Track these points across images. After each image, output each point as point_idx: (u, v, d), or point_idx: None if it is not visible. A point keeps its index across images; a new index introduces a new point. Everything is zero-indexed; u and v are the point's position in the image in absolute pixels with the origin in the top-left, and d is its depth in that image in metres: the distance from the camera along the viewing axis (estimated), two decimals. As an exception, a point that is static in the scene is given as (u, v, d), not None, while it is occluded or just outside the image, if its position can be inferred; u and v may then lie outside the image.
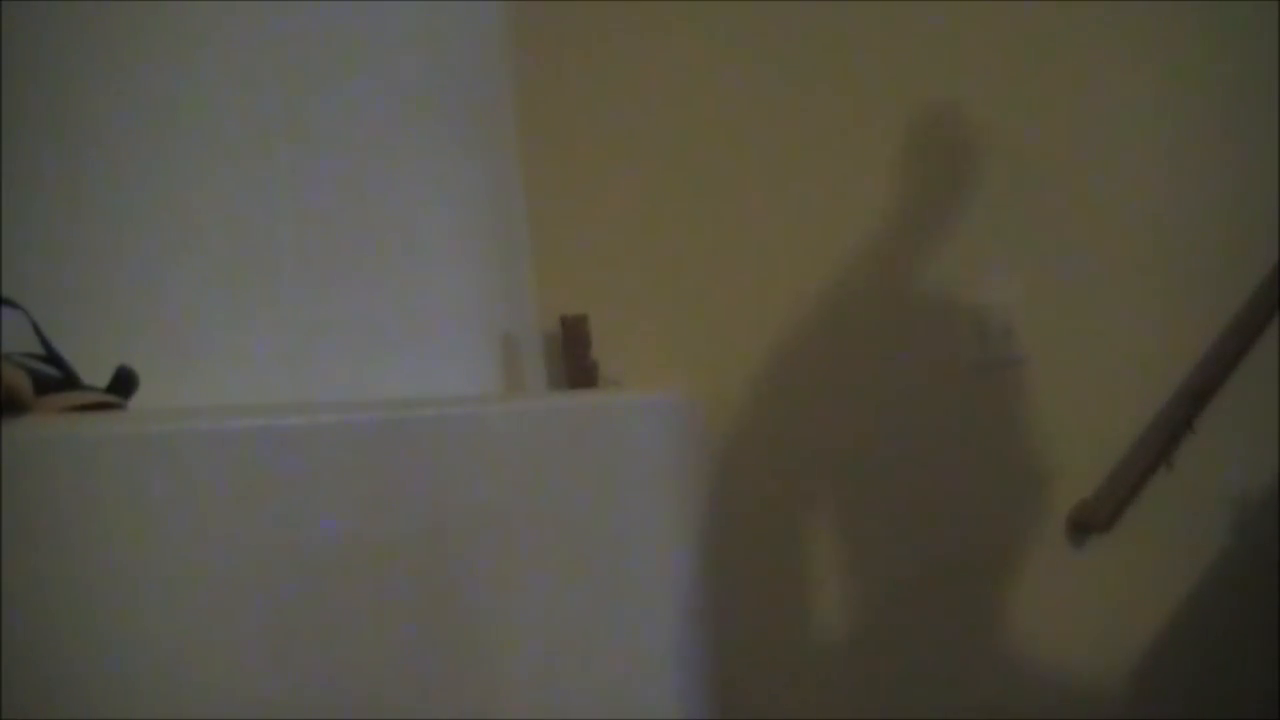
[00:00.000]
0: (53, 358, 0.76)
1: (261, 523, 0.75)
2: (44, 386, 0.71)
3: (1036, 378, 2.02)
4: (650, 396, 1.84)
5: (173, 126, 1.07)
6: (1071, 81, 2.02)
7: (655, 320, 1.96)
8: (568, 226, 1.95)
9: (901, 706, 2.00)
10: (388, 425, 0.94)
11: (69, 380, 0.76)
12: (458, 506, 1.01)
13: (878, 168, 1.99)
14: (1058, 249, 2.02)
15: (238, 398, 1.08)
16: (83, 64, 0.96)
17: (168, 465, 0.68)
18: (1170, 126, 2.05)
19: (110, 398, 0.78)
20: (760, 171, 1.97)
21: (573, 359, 1.88)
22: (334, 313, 1.32)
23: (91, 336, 0.87)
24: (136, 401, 0.80)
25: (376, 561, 0.87)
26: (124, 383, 0.80)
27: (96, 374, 0.79)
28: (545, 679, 1.16)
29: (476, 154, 1.85)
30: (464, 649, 1.01)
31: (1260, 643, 2.13)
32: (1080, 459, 2.03)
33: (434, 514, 0.97)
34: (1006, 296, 2.00)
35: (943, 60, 1.99)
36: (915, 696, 2.01)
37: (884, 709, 2.00)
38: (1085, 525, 2.02)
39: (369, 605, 0.86)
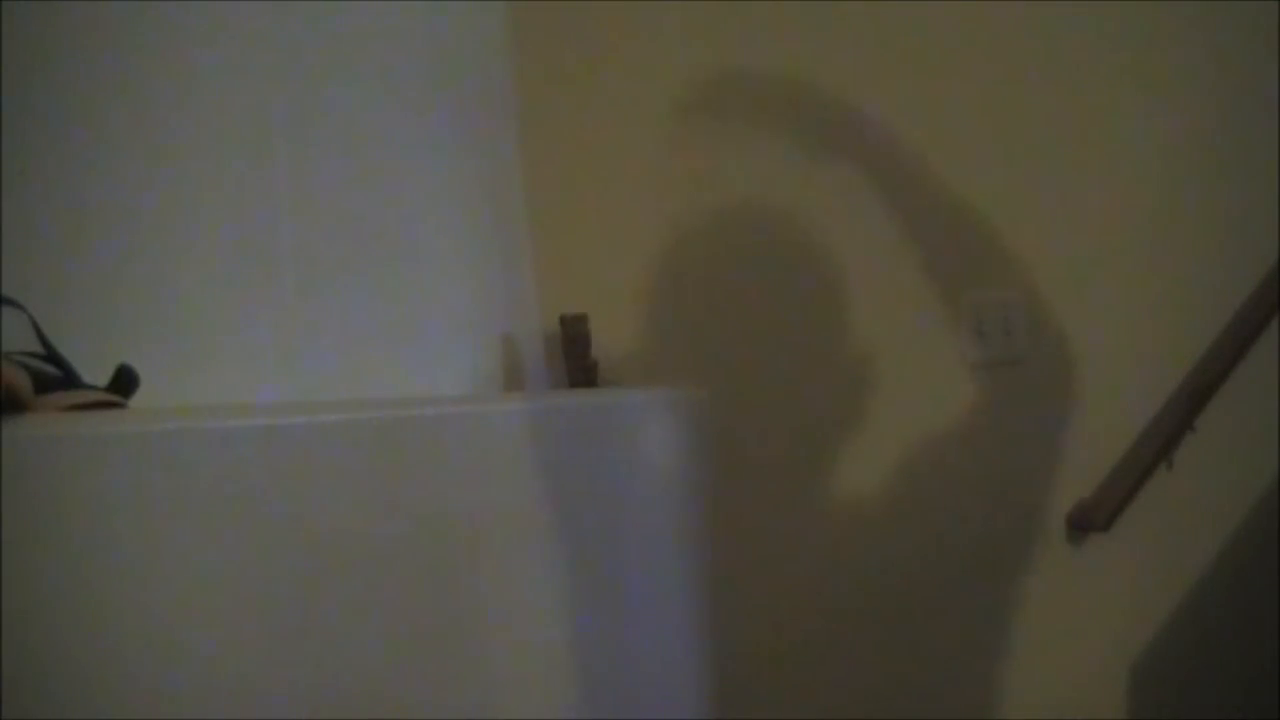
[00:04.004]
0: (53, 357, 0.76)
1: (261, 522, 0.75)
2: (44, 386, 0.71)
3: (1036, 377, 2.02)
4: (651, 396, 1.83)
5: (173, 127, 1.07)
6: (1071, 80, 2.02)
7: (655, 320, 1.96)
8: (568, 226, 1.95)
9: (901, 706, 2.00)
10: (388, 425, 0.94)
11: (69, 379, 0.76)
12: (458, 506, 1.01)
13: (878, 168, 1.99)
14: (1058, 249, 2.02)
15: (238, 397, 1.08)
16: (83, 64, 0.97)
17: (168, 464, 0.68)
18: (1170, 125, 2.05)
19: (111, 397, 0.78)
20: (761, 171, 1.97)
21: (573, 359, 1.87)
22: (334, 313, 1.32)
23: (92, 336, 0.87)
24: (137, 400, 0.81)
25: (376, 561, 0.87)
26: (124, 382, 0.80)
27: (97, 373, 0.79)
28: (545, 679, 1.16)
29: (476, 154, 1.85)
30: (464, 649, 1.01)
31: (1260, 643, 2.13)
32: (1080, 458, 2.03)
33: (434, 514, 0.97)
34: (1006, 297, 2.00)
35: (943, 60, 1.99)
36: (915, 696, 2.01)
37: (884, 708, 2.00)
38: (1085, 525, 2.02)
39: (369, 605, 0.86)
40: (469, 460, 1.05)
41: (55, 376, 0.74)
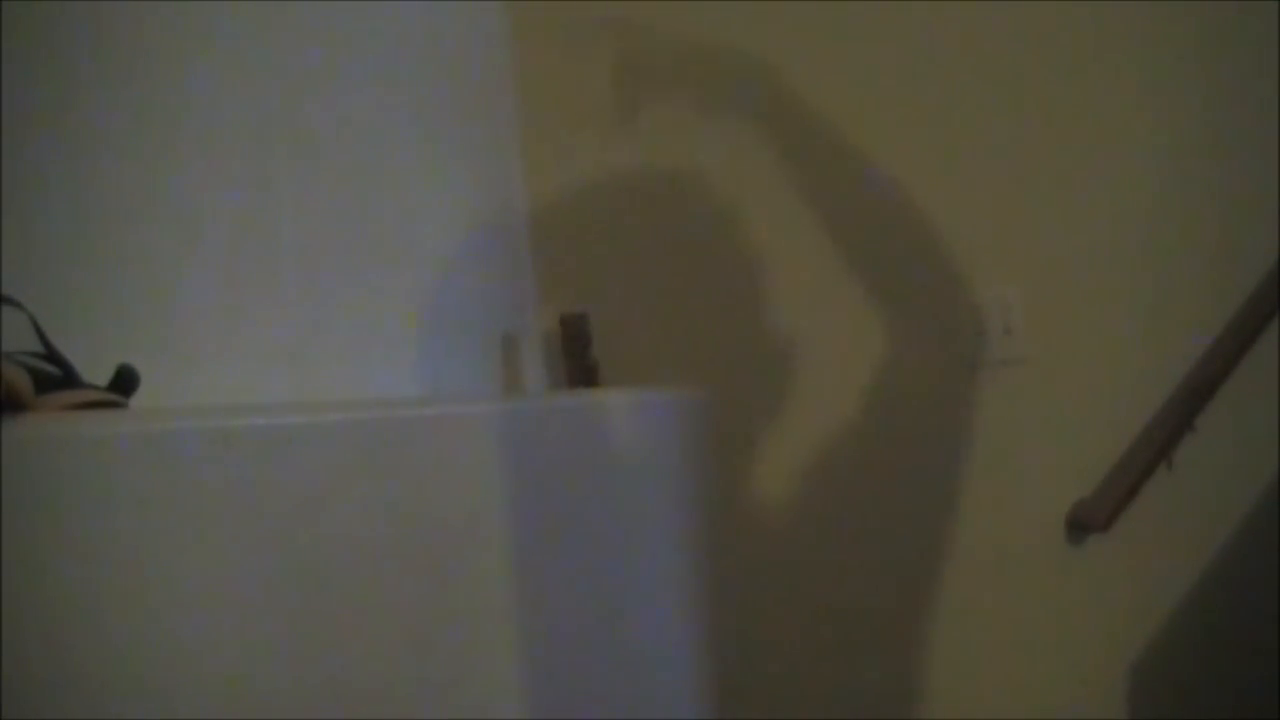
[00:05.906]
0: (53, 356, 0.76)
1: (261, 522, 0.75)
2: (44, 385, 0.71)
3: (1036, 377, 2.02)
4: (651, 396, 1.83)
5: (173, 126, 1.07)
6: (1071, 80, 2.02)
7: (655, 320, 1.96)
8: (568, 225, 1.95)
9: (901, 706, 2.01)
10: (388, 425, 0.94)
11: (69, 379, 0.76)
12: (458, 506, 1.01)
13: (880, 168, 1.99)
14: (1058, 249, 2.02)
15: (238, 397, 1.08)
16: (83, 64, 0.97)
17: (168, 464, 0.68)
18: (1170, 125, 2.05)
19: (111, 396, 0.78)
20: (764, 172, 1.97)
21: (573, 358, 1.88)
22: (334, 312, 1.32)
23: (92, 335, 0.87)
24: (137, 400, 0.81)
25: (376, 561, 0.87)
26: (125, 381, 0.80)
27: (97, 373, 0.79)
28: (545, 679, 1.16)
29: (476, 153, 1.85)
30: (464, 649, 1.01)
31: (1260, 642, 2.13)
32: (1079, 458, 2.03)
33: (433, 514, 0.97)
34: (1006, 296, 2.00)
35: (943, 60, 1.99)
36: (914, 696, 2.01)
37: (883, 708, 2.00)
38: (1084, 524, 2.02)
39: (368, 605, 0.86)
40: (469, 460, 1.05)
41: (55, 376, 0.74)
